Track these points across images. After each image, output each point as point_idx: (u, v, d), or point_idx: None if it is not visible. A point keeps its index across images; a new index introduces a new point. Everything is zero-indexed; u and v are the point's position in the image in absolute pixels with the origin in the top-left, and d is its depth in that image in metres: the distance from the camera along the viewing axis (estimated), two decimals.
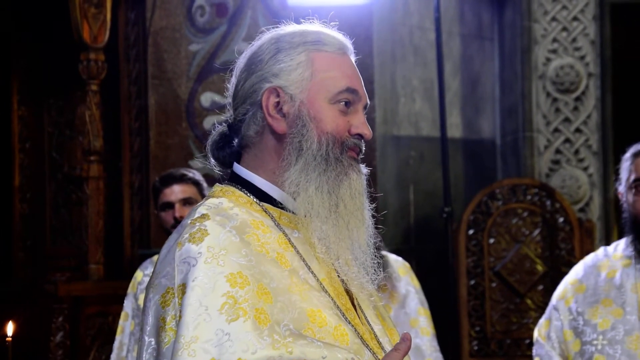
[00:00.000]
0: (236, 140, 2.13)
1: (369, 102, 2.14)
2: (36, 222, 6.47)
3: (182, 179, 4.26)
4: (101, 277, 5.62)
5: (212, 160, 2.19)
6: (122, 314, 4.35)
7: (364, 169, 2.12)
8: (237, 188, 2.08)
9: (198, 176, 4.34)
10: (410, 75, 6.49)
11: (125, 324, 4.32)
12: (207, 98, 5.95)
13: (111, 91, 5.99)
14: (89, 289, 5.55)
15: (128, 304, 4.33)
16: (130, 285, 4.36)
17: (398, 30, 6.44)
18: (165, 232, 4.34)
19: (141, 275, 4.33)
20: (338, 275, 2.07)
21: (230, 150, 2.15)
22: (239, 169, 2.11)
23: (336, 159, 2.04)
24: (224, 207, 2.02)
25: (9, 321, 2.67)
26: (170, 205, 4.23)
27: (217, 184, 2.13)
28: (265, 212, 2.05)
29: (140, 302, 4.26)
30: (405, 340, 1.92)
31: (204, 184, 4.33)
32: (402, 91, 6.44)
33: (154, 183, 4.42)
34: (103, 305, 5.51)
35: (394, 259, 4.26)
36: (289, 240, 2.03)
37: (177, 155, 5.88)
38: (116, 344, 4.36)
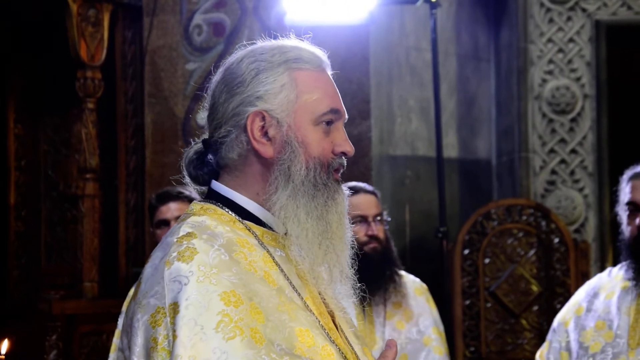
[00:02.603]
0: (213, 159, 2.10)
1: (347, 117, 2.11)
2: (31, 240, 6.46)
3: (179, 197, 4.26)
4: (95, 295, 5.61)
5: (187, 178, 2.15)
6: (117, 332, 4.33)
7: (346, 190, 2.11)
8: (218, 206, 2.05)
9: (194, 194, 4.31)
10: (407, 96, 6.51)
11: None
12: (203, 117, 5.94)
13: (107, 109, 6.00)
14: (83, 307, 5.54)
15: (122, 322, 4.32)
16: (125, 302, 4.34)
17: (394, 50, 6.46)
18: None
19: None
20: (320, 295, 2.07)
21: (208, 169, 2.12)
22: (218, 186, 2.08)
23: (324, 184, 2.03)
24: (207, 225, 2.00)
25: (2, 339, 2.65)
26: (166, 223, 4.24)
27: (195, 201, 2.11)
28: (249, 230, 2.03)
29: None
30: (391, 346, 1.92)
31: None
32: (398, 111, 6.45)
33: (150, 200, 4.42)
34: (97, 323, 5.49)
35: (412, 280, 4.27)
36: (273, 258, 2.01)
37: (173, 174, 5.83)
38: None
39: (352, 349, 2.07)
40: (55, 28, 5.83)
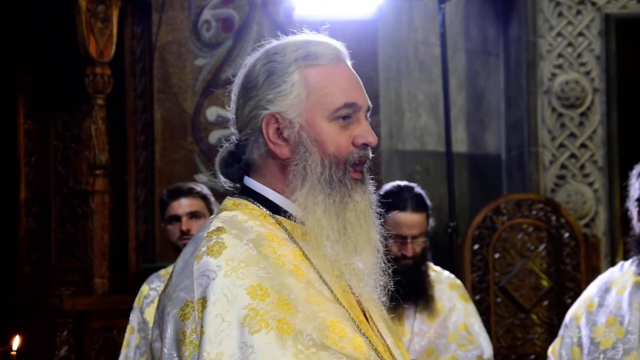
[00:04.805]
0: (243, 159, 2.12)
1: (370, 105, 2.10)
2: (41, 236, 6.47)
3: (190, 193, 4.28)
4: (106, 291, 5.62)
5: (221, 177, 2.17)
6: (128, 328, 4.35)
7: (371, 186, 2.11)
8: (250, 201, 2.08)
9: (205, 190, 4.36)
10: (416, 90, 6.50)
11: (131, 338, 4.32)
12: (212, 112, 5.96)
13: (117, 105, 6.01)
14: (94, 303, 5.55)
15: (134, 318, 4.33)
16: (137, 299, 4.36)
17: (403, 45, 6.45)
18: (171, 245, 4.35)
19: (147, 289, 4.33)
20: (350, 289, 2.08)
21: (239, 167, 2.14)
22: (250, 182, 2.10)
23: (339, 181, 2.03)
24: (238, 220, 2.03)
25: (13, 335, 2.67)
26: (177, 218, 4.25)
27: (228, 197, 2.13)
28: (279, 224, 2.05)
29: (146, 316, 4.27)
30: None
31: (212, 198, 4.35)
32: (407, 106, 6.44)
33: (161, 196, 4.44)
34: (108, 319, 5.51)
35: (446, 276, 4.24)
36: (303, 252, 2.03)
37: (183, 170, 5.89)
38: (122, 358, 4.36)
39: (384, 341, 2.09)
40: (65, 24, 5.84)
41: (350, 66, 2.11)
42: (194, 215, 4.24)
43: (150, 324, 4.27)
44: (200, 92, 5.99)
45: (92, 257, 5.66)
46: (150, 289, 4.33)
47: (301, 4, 5.04)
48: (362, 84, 2.10)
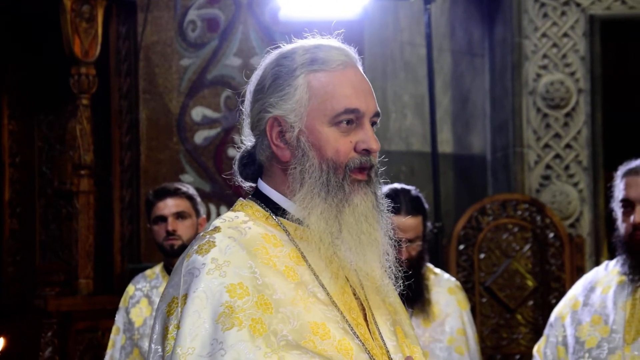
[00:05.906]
0: (257, 160, 2.15)
1: (379, 110, 2.10)
2: (26, 237, 6.45)
3: (176, 193, 4.28)
4: (91, 292, 5.60)
5: (239, 177, 2.19)
6: (114, 328, 4.34)
7: (377, 189, 2.11)
8: (257, 203, 2.11)
9: (192, 191, 4.35)
10: (401, 91, 6.51)
11: (117, 338, 4.31)
12: (198, 112, 5.95)
13: (102, 105, 6.00)
14: (79, 304, 5.53)
15: (119, 318, 4.33)
16: (122, 299, 4.35)
17: (389, 46, 6.46)
18: (156, 245, 4.34)
19: (133, 290, 4.32)
20: (353, 291, 2.09)
21: (254, 167, 2.17)
22: (260, 184, 2.14)
23: (337, 185, 2.03)
24: (238, 220, 2.06)
25: None
26: (163, 219, 4.25)
27: (240, 198, 2.16)
28: (280, 226, 2.07)
29: (132, 316, 4.27)
30: None
31: (198, 199, 4.35)
32: (392, 107, 6.45)
33: (147, 196, 4.43)
34: (92, 320, 5.49)
35: (446, 278, 4.21)
36: (302, 254, 2.05)
37: (168, 170, 5.87)
38: (107, 359, 4.34)
39: (384, 344, 2.08)
40: (50, 24, 5.82)
41: (360, 71, 2.11)
42: (180, 215, 4.24)
43: (136, 325, 4.26)
44: (186, 92, 5.98)
45: (76, 258, 5.65)
46: (136, 290, 4.32)
47: (287, 5, 5.03)
48: (371, 89, 2.10)
